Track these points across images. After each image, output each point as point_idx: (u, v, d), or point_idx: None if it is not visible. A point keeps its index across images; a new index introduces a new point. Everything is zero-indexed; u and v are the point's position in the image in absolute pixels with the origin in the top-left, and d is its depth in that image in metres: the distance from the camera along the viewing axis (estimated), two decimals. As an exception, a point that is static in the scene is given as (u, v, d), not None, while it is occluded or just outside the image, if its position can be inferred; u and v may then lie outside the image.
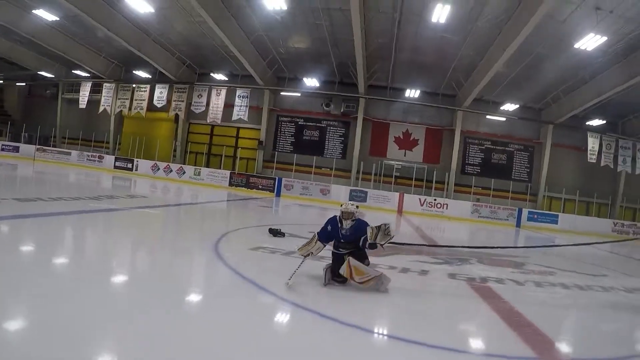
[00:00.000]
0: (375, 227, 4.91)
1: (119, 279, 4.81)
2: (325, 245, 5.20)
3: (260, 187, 22.09)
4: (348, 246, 5.04)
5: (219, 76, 22.83)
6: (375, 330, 4.06)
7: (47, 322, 3.09)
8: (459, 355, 3.56)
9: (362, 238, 4.97)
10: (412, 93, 21.49)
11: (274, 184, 21.97)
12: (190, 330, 3.32)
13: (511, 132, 23.37)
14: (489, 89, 19.95)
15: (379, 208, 21.25)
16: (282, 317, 4.14)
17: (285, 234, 8.45)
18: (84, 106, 25.88)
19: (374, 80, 21.28)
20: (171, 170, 23.32)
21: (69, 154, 25.33)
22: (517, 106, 21.91)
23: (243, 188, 22.25)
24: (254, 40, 18.90)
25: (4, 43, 23.29)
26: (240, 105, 22.34)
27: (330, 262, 5.20)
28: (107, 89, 25.32)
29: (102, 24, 17.84)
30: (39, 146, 25.80)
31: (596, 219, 22.26)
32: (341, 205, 5.15)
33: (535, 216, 21.97)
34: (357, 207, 5.17)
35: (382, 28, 16.44)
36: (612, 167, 22.61)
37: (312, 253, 5.12)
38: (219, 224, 12.16)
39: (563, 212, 22.53)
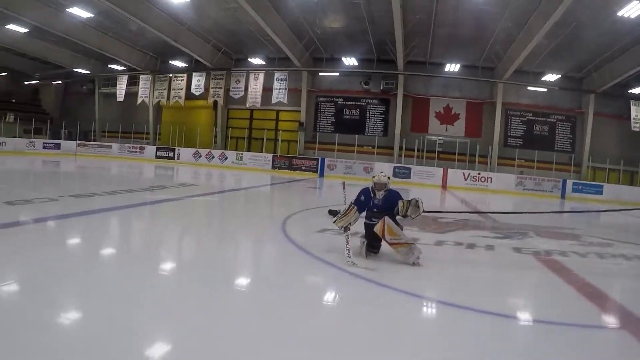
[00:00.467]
0: (407, 200, 5.13)
1: (209, 264, 5.01)
2: (361, 214, 5.31)
3: (303, 168, 22.22)
4: (380, 215, 5.12)
5: (256, 60, 22.97)
6: (466, 305, 4.07)
7: (164, 301, 3.59)
8: (553, 327, 3.72)
9: (396, 209, 5.15)
10: (452, 67, 21.32)
11: (317, 165, 22.09)
12: (287, 306, 3.73)
13: (552, 103, 23.02)
14: (529, 60, 19.60)
15: (423, 184, 21.21)
16: (357, 290, 4.36)
17: None
18: (121, 99, 26.32)
19: (413, 56, 21.15)
20: (213, 157, 23.59)
21: (110, 147, 25.79)
22: (558, 76, 21.59)
23: (286, 170, 22.41)
24: (290, 22, 18.94)
25: (38, 43, 23.62)
26: (279, 88, 22.49)
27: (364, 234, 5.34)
28: (144, 81, 25.69)
29: (136, 16, 17.94)
30: (79, 141, 26.29)
31: (636, 188, 21.90)
32: (373, 177, 5.38)
33: (580, 187, 21.66)
34: (388, 178, 5.40)
35: (421, 3, 16.30)
36: (657, 135, 22.24)
37: (351, 224, 5.19)
38: (278, 207, 12.23)
39: (607, 183, 22.22)
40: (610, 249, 7.23)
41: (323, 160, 22.05)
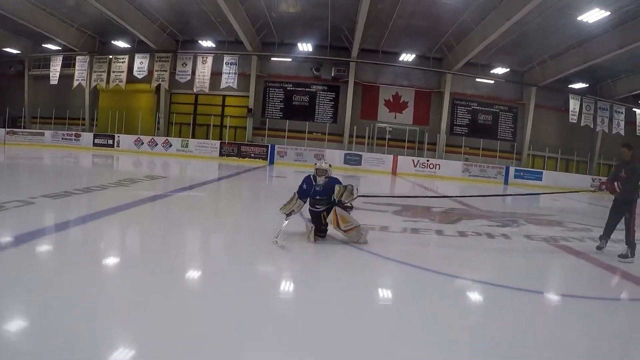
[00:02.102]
0: (342, 186, 5.30)
1: (238, 266, 4.52)
2: (304, 202, 5.53)
3: (252, 155, 21.63)
4: (322, 202, 5.39)
5: (207, 43, 21.98)
6: (504, 284, 4.51)
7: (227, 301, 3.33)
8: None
9: (333, 195, 5.34)
10: (406, 57, 21.56)
11: (267, 152, 21.56)
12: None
13: (496, 94, 23.90)
14: (480, 53, 20.18)
15: (373, 170, 21.31)
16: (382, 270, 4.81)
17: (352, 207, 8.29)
18: (55, 82, 24.36)
19: (366, 44, 21.09)
20: (156, 144, 22.44)
21: (42, 134, 23.90)
22: (507, 70, 22.50)
23: (235, 157, 21.71)
24: (248, 5, 18.29)
25: None
26: (229, 73, 21.71)
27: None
28: (81, 62, 23.95)
29: None
30: (8, 129, 24.12)
31: (577, 175, 23.31)
32: (315, 164, 5.60)
33: (522, 173, 22.74)
34: (329, 165, 5.57)
35: None
36: (591, 127, 23.75)
37: (293, 211, 5.48)
38: (270, 199, 11.20)
39: (546, 170, 23.42)
40: (594, 233, 7.51)
41: (273, 147, 21.56)
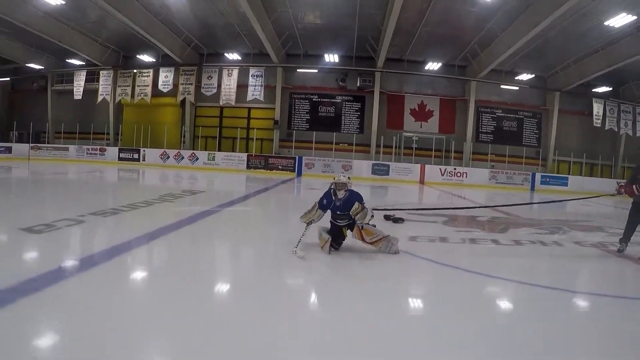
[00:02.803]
0: (361, 205, 5.18)
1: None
2: (324, 213, 5.46)
3: (280, 167, 21.65)
4: (343, 217, 5.31)
5: (232, 56, 22.05)
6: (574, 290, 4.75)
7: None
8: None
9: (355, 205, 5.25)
10: (432, 66, 21.60)
11: (294, 164, 21.58)
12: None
13: (519, 100, 23.87)
14: (504, 60, 20.20)
15: (401, 180, 21.30)
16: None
17: (404, 220, 8.28)
18: (79, 97, 24.51)
19: (390, 54, 21.13)
20: (182, 158, 22.48)
21: (67, 149, 24.00)
22: (531, 76, 22.48)
23: (262, 170, 21.74)
24: (276, 17, 18.38)
25: None
26: (255, 85, 21.75)
27: (328, 227, 5.48)
28: (105, 77, 24.09)
29: (112, 5, 16.62)
30: (33, 144, 24.27)
31: (601, 179, 23.19)
32: (334, 178, 5.43)
33: (548, 179, 22.65)
34: (348, 178, 5.45)
35: (414, 2, 16.25)
36: (615, 130, 23.68)
37: (313, 220, 5.40)
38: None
39: (571, 175, 23.37)
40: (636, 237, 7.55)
41: (301, 159, 21.57)
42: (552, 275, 5.25)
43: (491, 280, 4.90)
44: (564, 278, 5.17)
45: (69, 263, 4.44)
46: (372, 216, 5.35)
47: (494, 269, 5.25)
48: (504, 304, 4.26)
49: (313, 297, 3.97)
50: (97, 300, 3.35)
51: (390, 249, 5.30)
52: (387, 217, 8.24)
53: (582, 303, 4.33)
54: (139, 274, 4.39)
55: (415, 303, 4.13)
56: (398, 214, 8.44)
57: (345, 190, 5.31)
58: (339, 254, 5.34)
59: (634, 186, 5.91)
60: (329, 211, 5.46)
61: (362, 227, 5.23)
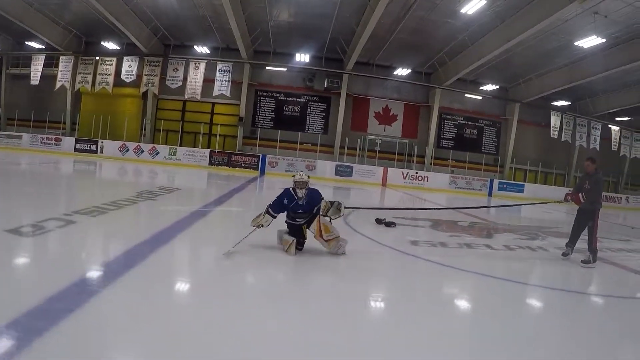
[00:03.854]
0: (329, 201, 5.35)
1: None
2: (274, 217, 5.33)
3: (243, 165, 21.45)
4: (304, 215, 5.32)
5: (201, 49, 21.58)
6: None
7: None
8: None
9: (316, 208, 5.32)
10: (401, 71, 21.94)
11: (258, 162, 21.44)
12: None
13: (481, 109, 24.63)
14: (471, 70, 20.71)
15: (364, 182, 21.53)
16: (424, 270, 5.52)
17: (396, 224, 8.47)
18: (36, 82, 23.46)
19: (359, 57, 21.30)
20: (142, 151, 21.88)
21: (20, 137, 22.89)
22: (496, 87, 23.19)
23: (224, 167, 21.48)
24: (251, 12, 18.11)
25: None
26: (222, 80, 21.44)
27: (285, 228, 5.46)
28: (65, 63, 23.12)
29: None
30: (-18, 132, 23.09)
31: (555, 187, 24.21)
32: (293, 176, 5.39)
33: (505, 186, 23.49)
34: (308, 177, 5.45)
35: (393, 10, 16.35)
36: (570, 142, 24.78)
37: (262, 225, 5.26)
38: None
39: (527, 182, 24.31)
40: (629, 244, 8.95)
41: (264, 157, 21.45)
42: (574, 280, 5.87)
43: (526, 287, 5.27)
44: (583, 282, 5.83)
45: (102, 271, 4.16)
46: (343, 207, 5.41)
47: (517, 274, 5.74)
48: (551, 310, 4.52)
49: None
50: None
51: (338, 250, 5.31)
52: (378, 221, 8.34)
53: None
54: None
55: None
56: (378, 215, 8.68)
57: (306, 189, 5.30)
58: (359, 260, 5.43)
59: (580, 194, 6.40)
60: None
61: (322, 222, 5.20)
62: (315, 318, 3.45)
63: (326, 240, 5.23)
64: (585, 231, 6.39)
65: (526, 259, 6.69)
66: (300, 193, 5.26)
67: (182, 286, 4.10)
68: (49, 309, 3.00)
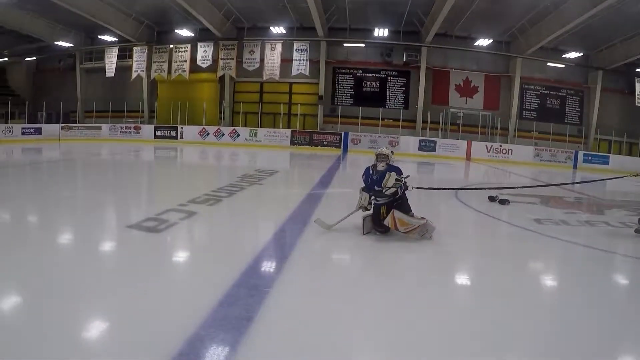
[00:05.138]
0: (391, 173, 5.00)
1: None
2: (369, 193, 5.18)
3: (325, 143, 21.21)
4: (382, 194, 5.05)
5: (277, 29, 21.44)
6: None
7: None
8: None
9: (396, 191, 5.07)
10: (482, 42, 21.16)
11: (340, 140, 21.14)
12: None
13: (562, 77, 23.57)
14: (553, 38, 19.83)
15: (448, 157, 20.98)
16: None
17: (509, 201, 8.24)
18: (112, 74, 23.91)
19: (438, 29, 20.73)
20: (223, 134, 21.96)
21: (99, 128, 23.30)
22: (579, 54, 22.15)
23: (306, 146, 21.30)
24: None
25: (16, 14, 20.68)
26: (300, 59, 21.27)
27: (371, 212, 5.23)
28: (139, 53, 23.46)
29: None
30: (63, 124, 23.44)
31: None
32: (376, 150, 5.31)
33: (590, 158, 22.38)
34: (391, 152, 5.29)
35: None
36: (656, 109, 23.49)
37: (363, 205, 5.15)
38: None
39: (612, 154, 23.16)
40: None
41: (346, 135, 21.14)
42: None
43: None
44: None
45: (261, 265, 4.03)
46: (403, 183, 5.03)
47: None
48: None
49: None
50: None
51: (425, 235, 5.04)
52: (491, 199, 8.18)
53: None
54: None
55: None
56: (492, 194, 8.41)
57: (386, 164, 5.13)
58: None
59: None
60: None
61: (396, 216, 4.88)
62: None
63: (404, 232, 4.96)
64: None
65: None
66: (380, 167, 5.11)
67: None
68: (226, 316, 2.78)
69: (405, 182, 5.04)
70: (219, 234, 5.35)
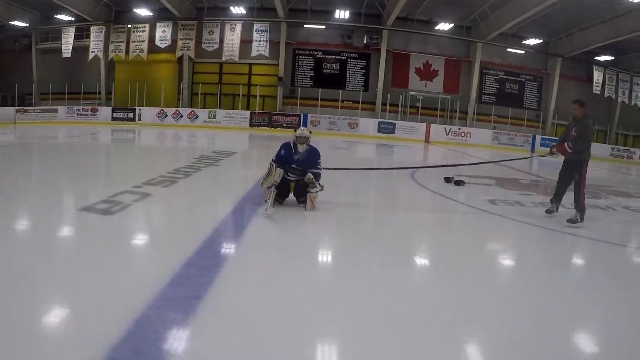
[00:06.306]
0: (316, 177, 5.32)
1: None
2: (283, 170, 5.31)
3: (284, 125, 21.05)
4: (297, 172, 5.36)
5: (237, 10, 21.09)
6: None
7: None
8: None
9: (312, 171, 5.32)
10: (443, 26, 21.27)
11: (299, 121, 21.02)
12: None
13: (522, 63, 23.95)
14: (512, 24, 20.03)
15: (407, 139, 21.09)
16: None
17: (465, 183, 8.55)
18: (68, 55, 23.15)
19: (399, 13, 20.76)
20: (181, 116, 21.64)
21: (56, 111, 22.54)
22: (539, 41, 22.45)
23: (265, 128, 21.14)
24: None
25: None
26: (260, 40, 21.03)
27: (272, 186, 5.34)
28: (96, 33, 22.79)
29: None
30: (18, 107, 22.66)
31: (597, 145, 23.33)
32: (295, 131, 5.50)
33: (547, 142, 22.74)
34: (310, 132, 5.55)
35: None
36: (614, 97, 24.06)
37: (276, 181, 5.21)
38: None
39: (569, 139, 23.62)
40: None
41: (306, 116, 21.06)
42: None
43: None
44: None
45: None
46: (322, 188, 5.38)
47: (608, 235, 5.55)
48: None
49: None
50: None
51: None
52: (447, 180, 8.40)
53: None
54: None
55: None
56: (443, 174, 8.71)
57: (307, 145, 5.35)
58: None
59: (565, 144, 5.64)
60: None
61: (313, 198, 5.29)
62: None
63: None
64: (572, 186, 5.69)
65: (601, 219, 6.45)
66: (301, 148, 5.32)
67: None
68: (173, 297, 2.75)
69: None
70: (172, 215, 5.34)
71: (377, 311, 2.82)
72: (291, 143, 5.40)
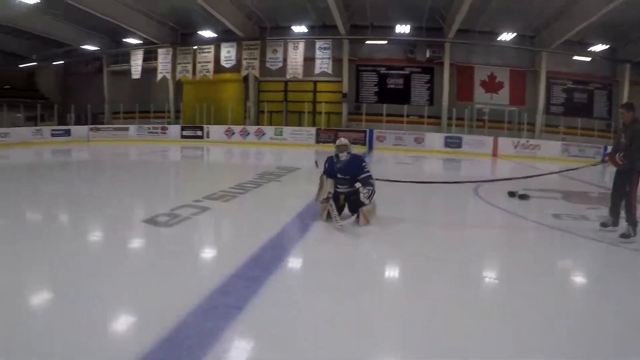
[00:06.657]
0: (370, 191, 5.29)
1: None
2: (333, 181, 5.42)
3: (351, 141, 21.11)
4: (345, 182, 5.39)
5: (298, 28, 21.55)
6: None
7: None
8: None
9: (360, 177, 5.34)
10: (506, 36, 20.85)
11: (365, 137, 21.12)
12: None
13: (589, 71, 23.12)
14: (576, 31, 19.45)
15: (474, 153, 20.75)
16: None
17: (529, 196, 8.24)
18: (138, 76, 24.33)
19: (460, 25, 20.57)
20: (248, 133, 22.19)
21: (127, 129, 23.76)
22: (606, 47, 21.67)
23: (331, 144, 21.11)
24: None
25: (43, 19, 21.15)
26: (322, 58, 21.33)
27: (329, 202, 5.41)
28: (164, 55, 23.83)
29: None
30: (91, 126, 23.93)
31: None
32: (335, 141, 5.66)
33: (620, 153, 21.94)
34: (348, 141, 5.68)
35: None
36: (688, 104, 22.83)
37: (330, 192, 5.30)
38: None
39: (642, 148, 22.61)
40: None
41: (372, 132, 21.12)
42: None
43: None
44: None
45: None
46: (372, 201, 5.38)
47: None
48: None
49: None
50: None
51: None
52: (511, 194, 8.17)
53: None
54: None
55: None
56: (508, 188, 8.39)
57: (347, 153, 5.45)
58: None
59: (617, 155, 5.27)
60: None
61: (365, 214, 5.28)
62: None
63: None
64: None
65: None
66: (342, 157, 5.44)
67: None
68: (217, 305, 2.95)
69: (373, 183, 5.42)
70: (227, 228, 5.69)
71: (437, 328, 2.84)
72: (333, 155, 5.55)
